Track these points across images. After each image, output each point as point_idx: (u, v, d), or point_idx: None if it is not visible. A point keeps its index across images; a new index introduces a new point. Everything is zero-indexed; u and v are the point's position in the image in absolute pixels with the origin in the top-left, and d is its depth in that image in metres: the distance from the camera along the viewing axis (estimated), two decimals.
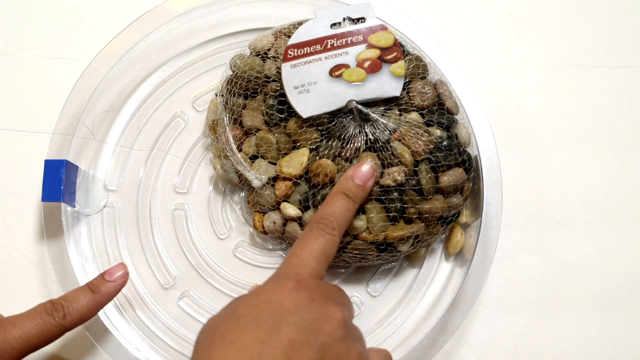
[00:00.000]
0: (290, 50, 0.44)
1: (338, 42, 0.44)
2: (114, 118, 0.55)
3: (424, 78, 0.48)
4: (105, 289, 0.43)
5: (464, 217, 0.50)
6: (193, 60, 0.56)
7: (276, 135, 0.47)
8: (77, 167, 0.50)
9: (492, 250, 0.48)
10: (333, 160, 0.46)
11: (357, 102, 0.45)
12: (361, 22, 0.45)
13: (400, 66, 0.45)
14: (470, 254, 0.48)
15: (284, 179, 0.46)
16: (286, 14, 0.56)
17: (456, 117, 0.49)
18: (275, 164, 0.47)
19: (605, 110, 0.57)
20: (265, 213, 0.48)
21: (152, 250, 0.52)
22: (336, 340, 0.34)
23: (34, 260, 0.53)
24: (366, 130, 0.46)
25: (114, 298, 0.45)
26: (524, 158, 0.55)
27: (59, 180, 0.48)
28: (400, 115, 0.47)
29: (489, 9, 0.59)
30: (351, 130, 0.46)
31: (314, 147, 0.46)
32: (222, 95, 0.50)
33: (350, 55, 0.45)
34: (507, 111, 0.56)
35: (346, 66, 0.44)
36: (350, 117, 0.46)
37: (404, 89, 0.46)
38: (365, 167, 0.43)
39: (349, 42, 0.44)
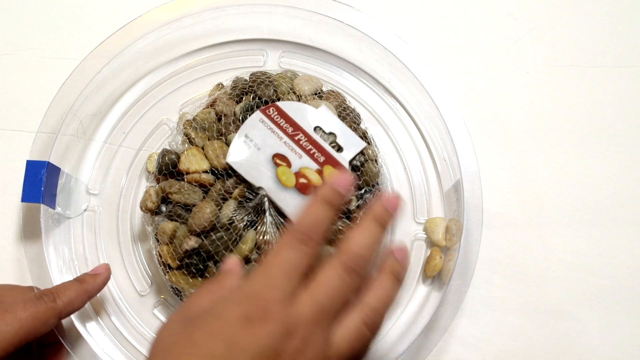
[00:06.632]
0: (272, 108, 0.42)
1: (303, 143, 0.42)
2: (100, 121, 0.55)
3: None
4: (90, 279, 0.45)
5: (444, 241, 0.50)
6: (182, 68, 0.56)
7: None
8: (59, 169, 0.50)
9: (470, 273, 0.47)
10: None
11: (267, 196, 0.43)
12: (338, 150, 0.41)
13: None
14: (448, 277, 0.47)
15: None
16: (278, 25, 0.55)
17: None
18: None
19: (605, 110, 0.56)
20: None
21: (130, 256, 0.52)
22: None
23: (11, 261, 0.53)
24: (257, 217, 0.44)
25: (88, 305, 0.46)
26: (524, 157, 0.55)
27: (39, 182, 0.48)
28: None
29: (489, 9, 0.59)
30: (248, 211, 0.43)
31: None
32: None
33: (299, 161, 0.42)
34: (507, 111, 0.57)
35: (288, 164, 0.42)
36: (258, 200, 0.43)
37: None
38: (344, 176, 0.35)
39: (310, 151, 0.41)
